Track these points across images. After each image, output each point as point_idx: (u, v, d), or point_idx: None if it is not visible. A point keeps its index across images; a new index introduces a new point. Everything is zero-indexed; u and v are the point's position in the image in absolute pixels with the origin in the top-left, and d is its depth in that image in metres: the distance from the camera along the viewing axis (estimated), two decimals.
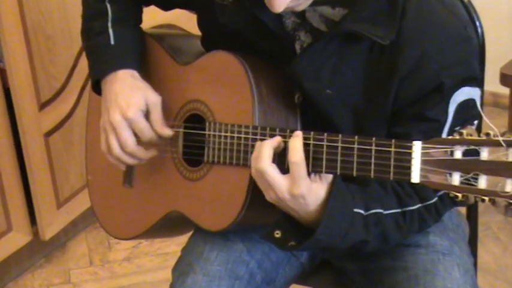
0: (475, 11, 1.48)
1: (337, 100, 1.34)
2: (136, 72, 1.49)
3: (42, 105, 2.38)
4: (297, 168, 1.22)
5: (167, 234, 1.69)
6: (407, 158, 1.14)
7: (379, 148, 1.17)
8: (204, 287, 1.42)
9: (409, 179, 1.15)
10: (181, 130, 1.47)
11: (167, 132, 1.46)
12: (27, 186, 2.41)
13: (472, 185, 1.09)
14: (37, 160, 2.40)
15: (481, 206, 1.50)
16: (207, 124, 1.40)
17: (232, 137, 1.34)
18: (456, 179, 1.10)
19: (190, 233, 1.58)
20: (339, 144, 1.21)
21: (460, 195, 1.10)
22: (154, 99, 1.46)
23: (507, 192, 1.06)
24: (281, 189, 1.24)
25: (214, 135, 1.38)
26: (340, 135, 1.21)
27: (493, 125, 1.10)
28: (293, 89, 1.37)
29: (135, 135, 1.46)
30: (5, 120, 2.30)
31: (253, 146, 1.29)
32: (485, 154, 1.08)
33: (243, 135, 1.33)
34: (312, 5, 1.28)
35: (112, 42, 1.50)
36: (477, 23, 1.48)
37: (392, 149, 1.16)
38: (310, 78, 1.33)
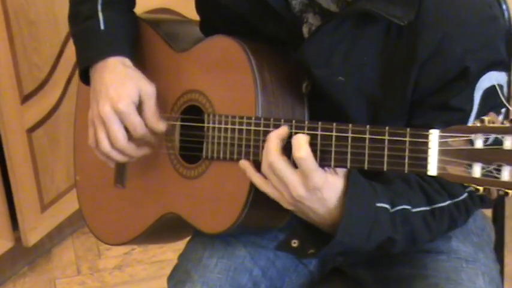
0: None
1: (350, 88, 1.31)
2: (129, 59, 1.47)
3: (25, 98, 2.34)
4: (305, 162, 1.20)
5: (162, 239, 1.68)
6: (423, 148, 1.12)
7: (393, 138, 1.15)
8: None
9: (426, 171, 1.12)
10: (178, 123, 1.45)
11: (162, 126, 1.43)
12: (8, 187, 2.37)
13: (495, 177, 1.06)
14: (19, 158, 2.36)
15: (508, 209, 1.52)
16: (205, 116, 1.38)
17: (233, 130, 1.32)
18: (477, 170, 1.07)
19: (187, 239, 1.55)
20: (349, 135, 1.19)
21: (481, 188, 1.07)
22: (148, 89, 1.43)
23: None
24: (294, 184, 1.21)
25: (213, 128, 1.35)
26: (350, 125, 1.19)
27: None
28: (301, 77, 1.35)
29: (127, 130, 1.42)
30: None
31: (255, 140, 1.28)
32: (508, 143, 1.05)
33: (244, 128, 1.31)
34: None
35: (102, 27, 1.47)
36: (503, 6, 1.45)
37: (407, 139, 1.14)
38: (319, 64, 1.30)
